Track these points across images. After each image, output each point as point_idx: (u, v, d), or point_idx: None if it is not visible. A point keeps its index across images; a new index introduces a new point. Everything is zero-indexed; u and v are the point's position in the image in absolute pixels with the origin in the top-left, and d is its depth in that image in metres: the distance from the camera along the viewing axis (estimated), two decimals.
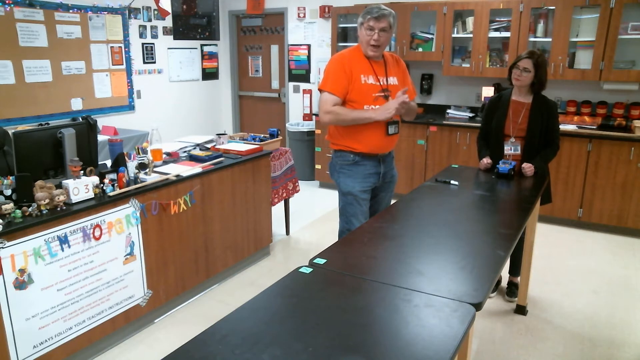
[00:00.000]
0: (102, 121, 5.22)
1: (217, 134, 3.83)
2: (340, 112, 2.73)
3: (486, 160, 3.10)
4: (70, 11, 5.02)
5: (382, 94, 2.79)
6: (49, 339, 2.42)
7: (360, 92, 2.73)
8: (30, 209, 2.32)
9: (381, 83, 2.79)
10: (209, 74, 6.92)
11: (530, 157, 3.04)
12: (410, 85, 3.03)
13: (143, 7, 5.80)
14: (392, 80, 2.86)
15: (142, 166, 2.91)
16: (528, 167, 2.98)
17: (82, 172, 2.56)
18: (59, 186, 2.49)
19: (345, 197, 2.89)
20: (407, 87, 2.75)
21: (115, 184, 2.70)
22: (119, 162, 2.81)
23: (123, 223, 2.71)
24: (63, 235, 2.40)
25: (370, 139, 2.80)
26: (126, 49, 5.65)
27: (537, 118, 3.01)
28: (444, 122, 5.06)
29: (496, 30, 4.93)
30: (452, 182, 2.81)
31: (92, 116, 2.97)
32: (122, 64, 5.64)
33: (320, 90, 2.80)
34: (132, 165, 2.86)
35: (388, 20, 2.71)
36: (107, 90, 5.52)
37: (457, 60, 5.27)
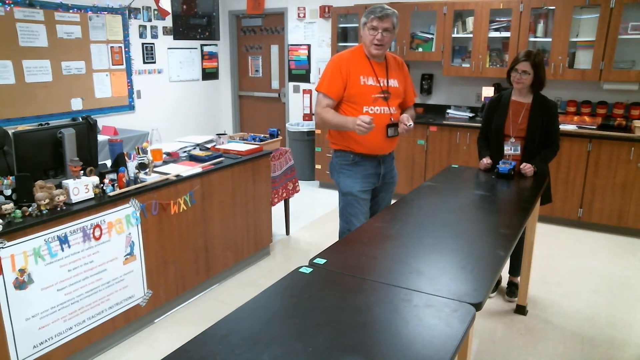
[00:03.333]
0: (102, 121, 5.22)
1: (217, 134, 3.83)
2: (325, 117, 2.76)
3: (486, 161, 3.11)
4: (70, 11, 5.02)
5: (382, 95, 2.80)
6: (49, 339, 2.42)
7: (360, 93, 2.74)
8: (30, 209, 2.32)
9: (381, 84, 2.79)
10: (209, 74, 6.92)
11: (530, 157, 3.04)
12: (412, 89, 3.03)
13: (143, 7, 5.81)
14: (393, 83, 2.85)
15: (142, 166, 2.91)
16: (528, 168, 2.98)
17: (82, 172, 2.56)
18: (59, 186, 2.49)
19: (345, 197, 2.89)
20: (411, 124, 2.72)
21: (115, 184, 2.70)
22: (119, 162, 2.81)
23: (123, 223, 2.71)
24: (63, 235, 2.40)
25: (370, 141, 2.79)
26: (126, 49, 5.65)
27: (537, 118, 3.01)
28: (444, 122, 5.06)
29: (496, 30, 4.93)
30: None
31: (92, 116, 2.96)
32: (122, 64, 5.64)
33: (316, 91, 2.82)
34: (132, 165, 2.86)
35: (391, 20, 2.72)
36: (107, 90, 5.52)
37: (457, 60, 5.27)
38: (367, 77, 2.76)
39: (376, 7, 2.73)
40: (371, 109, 2.77)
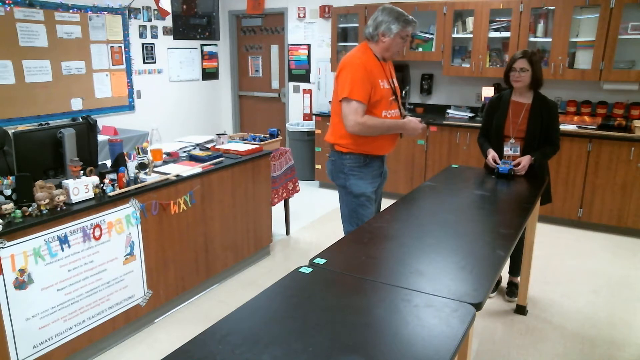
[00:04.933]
0: (102, 121, 5.22)
1: (217, 134, 3.83)
2: (373, 124, 2.65)
3: (492, 154, 3.07)
4: (70, 11, 5.02)
5: (393, 97, 2.79)
6: (49, 339, 2.42)
7: (381, 98, 2.69)
8: (30, 209, 2.32)
9: (391, 86, 2.79)
10: (209, 74, 6.92)
11: None
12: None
13: (143, 7, 5.81)
14: (395, 82, 2.86)
15: (142, 166, 2.91)
16: (521, 167, 2.95)
17: (82, 172, 2.56)
18: (59, 186, 2.49)
19: (357, 199, 2.82)
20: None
21: (115, 184, 2.71)
22: (119, 162, 2.82)
23: (123, 223, 2.71)
24: (63, 235, 2.40)
25: (386, 143, 2.80)
26: (126, 49, 5.65)
27: (537, 119, 3.01)
28: (444, 122, 5.06)
29: (496, 30, 4.93)
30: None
31: (92, 116, 2.96)
32: (122, 64, 5.64)
33: (346, 98, 2.62)
34: (132, 165, 2.86)
35: None
36: (107, 90, 5.52)
37: (457, 60, 5.27)
38: (383, 81, 2.72)
39: (407, 15, 2.72)
40: (389, 113, 2.74)
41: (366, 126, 2.64)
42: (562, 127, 4.39)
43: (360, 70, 2.64)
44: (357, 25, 5.64)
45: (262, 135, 4.15)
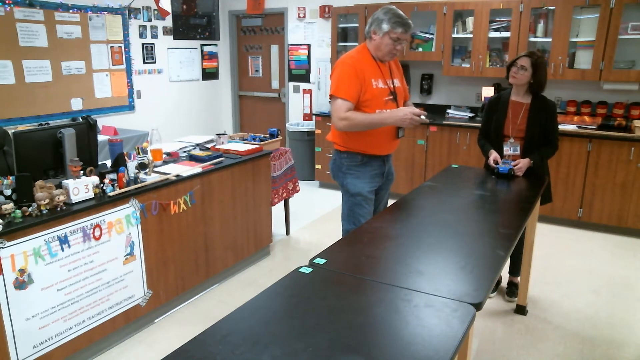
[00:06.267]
0: (102, 121, 5.22)
1: (217, 134, 3.83)
2: (356, 119, 2.62)
3: (494, 154, 3.07)
4: (70, 11, 5.02)
5: (391, 97, 2.77)
6: (49, 339, 2.42)
7: (373, 97, 2.69)
8: (30, 209, 2.32)
9: (389, 86, 2.78)
10: (209, 74, 6.92)
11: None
12: (406, 86, 3.03)
13: (143, 7, 5.81)
14: (396, 83, 2.85)
15: (142, 166, 2.91)
16: (518, 169, 2.96)
17: (82, 172, 2.56)
18: (59, 186, 2.49)
19: (353, 198, 2.84)
20: (425, 113, 2.68)
21: (115, 184, 2.71)
22: (119, 162, 2.82)
23: (123, 223, 2.71)
24: (63, 235, 2.40)
25: (380, 142, 2.79)
26: (126, 49, 5.65)
27: (535, 118, 3.01)
28: (444, 122, 5.06)
29: (496, 30, 4.93)
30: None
31: (92, 116, 2.97)
32: (122, 64, 5.64)
33: (332, 95, 2.67)
34: (132, 165, 2.86)
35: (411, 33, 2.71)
36: (107, 90, 5.52)
37: (457, 60, 5.27)
38: (377, 80, 2.71)
39: (402, 17, 2.67)
40: (384, 112, 2.74)
41: (350, 120, 2.63)
42: (562, 127, 4.40)
43: (349, 69, 2.65)
44: (357, 25, 5.64)
45: (262, 135, 4.15)
